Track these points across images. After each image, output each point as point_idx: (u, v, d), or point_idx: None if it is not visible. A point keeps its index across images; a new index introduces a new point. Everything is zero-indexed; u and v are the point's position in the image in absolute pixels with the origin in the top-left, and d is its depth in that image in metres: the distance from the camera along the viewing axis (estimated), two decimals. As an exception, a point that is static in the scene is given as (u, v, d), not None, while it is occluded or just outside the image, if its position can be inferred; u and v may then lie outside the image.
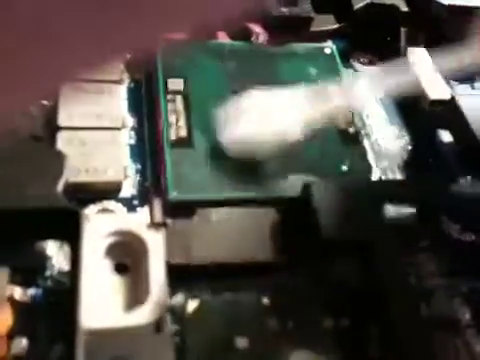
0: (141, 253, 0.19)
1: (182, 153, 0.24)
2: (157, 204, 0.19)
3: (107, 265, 0.19)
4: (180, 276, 0.20)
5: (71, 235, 0.19)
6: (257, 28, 0.30)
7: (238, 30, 0.29)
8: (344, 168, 0.25)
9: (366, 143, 0.27)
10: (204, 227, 0.21)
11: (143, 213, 0.20)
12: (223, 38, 0.29)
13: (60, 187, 0.20)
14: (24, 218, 0.19)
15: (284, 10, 0.28)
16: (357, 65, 0.31)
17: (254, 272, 0.21)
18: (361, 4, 0.29)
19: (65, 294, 0.20)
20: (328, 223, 0.21)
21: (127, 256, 0.20)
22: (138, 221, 0.19)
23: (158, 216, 0.19)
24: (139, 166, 0.25)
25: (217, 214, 0.22)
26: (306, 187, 0.22)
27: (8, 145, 0.21)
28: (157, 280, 0.19)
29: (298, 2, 0.28)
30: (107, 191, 0.23)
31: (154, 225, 0.19)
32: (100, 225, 0.19)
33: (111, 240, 0.19)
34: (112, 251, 0.19)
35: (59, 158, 0.21)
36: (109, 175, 0.23)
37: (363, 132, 0.27)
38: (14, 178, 0.20)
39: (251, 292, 0.21)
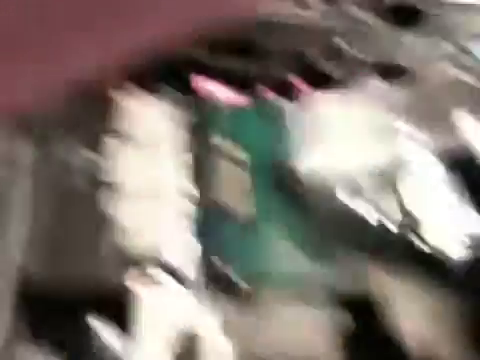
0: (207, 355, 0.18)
1: (244, 229, 0.22)
2: (226, 301, 0.18)
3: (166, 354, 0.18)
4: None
5: (123, 314, 0.19)
6: (300, 84, 0.30)
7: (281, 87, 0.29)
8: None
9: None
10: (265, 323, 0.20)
11: (210, 309, 0.19)
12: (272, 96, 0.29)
13: (112, 258, 0.19)
14: (76, 296, 0.18)
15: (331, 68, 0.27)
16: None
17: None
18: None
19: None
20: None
21: (184, 347, 0.19)
22: (206, 319, 0.18)
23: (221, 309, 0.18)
24: (194, 235, 0.23)
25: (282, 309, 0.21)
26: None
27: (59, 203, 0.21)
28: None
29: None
30: (167, 271, 0.22)
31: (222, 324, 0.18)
32: (157, 312, 0.18)
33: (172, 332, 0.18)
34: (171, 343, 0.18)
35: (112, 225, 0.20)
36: (170, 255, 0.22)
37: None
38: (65, 243, 0.19)
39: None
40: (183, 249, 0.23)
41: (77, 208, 0.21)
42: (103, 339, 0.20)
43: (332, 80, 0.28)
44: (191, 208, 0.23)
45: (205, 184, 0.24)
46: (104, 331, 0.20)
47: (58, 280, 0.18)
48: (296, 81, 0.30)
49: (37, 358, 0.18)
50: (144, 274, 0.22)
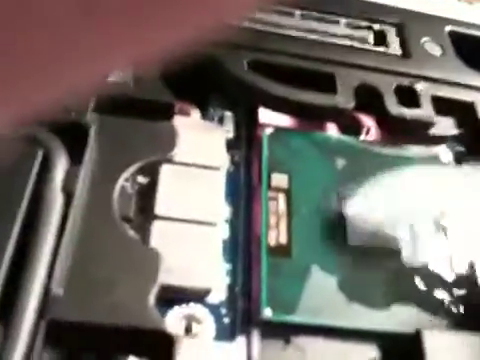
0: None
1: (280, 263, 0.22)
2: (255, 337, 0.18)
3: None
4: None
5: (160, 356, 0.18)
6: (369, 122, 0.28)
7: (348, 122, 0.28)
8: (454, 307, 0.22)
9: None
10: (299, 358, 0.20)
11: (238, 346, 0.18)
12: (331, 129, 0.28)
13: (153, 297, 0.19)
14: (113, 333, 0.18)
15: (405, 112, 0.26)
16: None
17: None
18: (487, 111, 0.27)
19: None
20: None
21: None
22: (234, 355, 0.17)
23: (256, 353, 0.17)
24: (230, 266, 0.23)
25: (313, 346, 0.20)
26: (417, 334, 0.20)
27: (102, 237, 0.20)
28: None
29: (421, 103, 0.26)
30: (196, 295, 0.22)
31: (250, 361, 0.17)
32: (192, 356, 0.17)
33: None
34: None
35: (155, 260, 0.20)
36: (201, 281, 0.21)
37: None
38: (105, 280, 0.19)
39: None
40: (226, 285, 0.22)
41: (126, 242, 0.21)
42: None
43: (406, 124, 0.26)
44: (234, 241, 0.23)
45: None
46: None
47: (92, 314, 0.18)
48: (364, 118, 0.28)
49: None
50: (187, 313, 0.22)
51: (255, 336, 0.18)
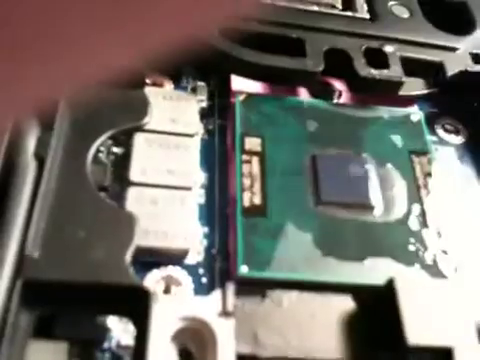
0: (210, 343, 0.18)
1: (255, 223, 0.23)
2: (230, 291, 0.18)
3: (173, 351, 0.18)
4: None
5: (137, 313, 0.18)
6: (340, 86, 0.29)
7: (319, 86, 0.28)
8: (428, 256, 0.22)
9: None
10: (274, 313, 0.20)
11: (214, 299, 0.18)
12: (303, 93, 0.28)
13: (129, 256, 0.19)
14: (89, 291, 0.18)
15: (374, 72, 0.26)
16: (442, 133, 0.29)
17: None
18: (456, 71, 0.27)
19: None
20: (412, 328, 0.19)
21: (193, 343, 0.18)
22: (209, 307, 0.18)
23: (230, 305, 0.18)
24: (207, 229, 0.24)
25: (289, 299, 0.20)
26: (390, 282, 0.20)
27: (77, 201, 0.20)
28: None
29: (389, 64, 0.26)
30: (173, 257, 0.22)
31: (225, 314, 0.18)
32: (169, 308, 0.18)
33: (179, 325, 0.18)
34: (178, 336, 0.18)
35: (130, 222, 0.20)
36: (178, 242, 0.21)
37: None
38: (81, 241, 0.19)
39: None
40: (202, 247, 0.23)
41: (101, 205, 0.21)
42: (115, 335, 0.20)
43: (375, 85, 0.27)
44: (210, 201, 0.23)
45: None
46: (117, 327, 0.20)
47: (68, 273, 0.18)
48: (335, 82, 0.29)
49: (48, 354, 0.18)
50: (165, 275, 0.22)
51: (230, 289, 0.18)
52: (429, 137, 0.27)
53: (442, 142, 0.29)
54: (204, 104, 0.27)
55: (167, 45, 0.10)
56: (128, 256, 0.19)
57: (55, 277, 0.17)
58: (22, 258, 0.17)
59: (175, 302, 0.18)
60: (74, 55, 0.09)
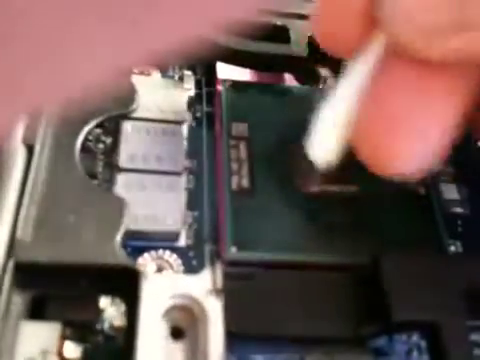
0: (200, 320, 0.18)
1: (243, 205, 0.23)
2: (219, 269, 0.18)
3: (163, 328, 0.18)
4: (234, 344, 0.19)
5: (128, 292, 0.19)
6: (325, 72, 0.29)
7: (304, 72, 0.28)
8: (415, 235, 0.23)
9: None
10: (263, 292, 0.20)
11: (204, 277, 0.18)
12: (290, 81, 0.28)
13: (119, 238, 0.19)
14: (79, 272, 0.18)
15: (357, 58, 0.26)
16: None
17: (314, 345, 0.20)
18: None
19: (117, 351, 0.19)
20: (398, 303, 0.19)
21: (184, 320, 0.19)
22: (199, 285, 0.18)
23: (220, 283, 0.18)
24: (196, 213, 0.24)
25: (278, 278, 0.21)
26: (375, 259, 0.21)
27: (66, 186, 0.21)
28: (216, 351, 0.18)
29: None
30: (163, 240, 0.22)
31: (215, 291, 0.18)
32: (159, 287, 0.18)
33: (170, 303, 0.18)
34: (169, 314, 0.18)
35: (119, 205, 0.20)
36: (167, 224, 0.22)
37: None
38: (71, 225, 0.19)
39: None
40: (192, 230, 0.23)
41: (90, 190, 0.21)
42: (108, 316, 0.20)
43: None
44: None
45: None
46: (110, 309, 0.20)
47: (59, 255, 0.18)
48: (321, 69, 0.29)
49: (41, 336, 0.18)
50: (156, 258, 0.22)
51: (219, 268, 0.18)
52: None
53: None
54: (192, 93, 0.28)
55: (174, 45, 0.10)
56: (118, 238, 0.19)
57: (46, 258, 0.18)
58: (13, 241, 0.18)
59: (165, 280, 0.18)
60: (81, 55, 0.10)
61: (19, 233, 0.18)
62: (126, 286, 0.18)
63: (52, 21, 0.08)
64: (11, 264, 0.17)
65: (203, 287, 0.18)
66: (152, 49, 0.10)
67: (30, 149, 0.20)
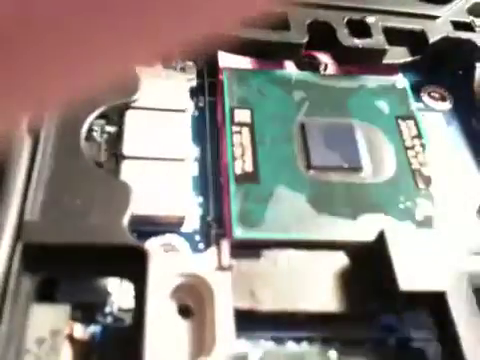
0: (207, 297, 0.18)
1: (247, 188, 0.23)
2: (225, 247, 0.18)
3: (172, 307, 0.19)
4: (243, 322, 0.19)
5: (135, 273, 0.19)
6: (326, 58, 0.29)
7: (306, 60, 0.29)
8: (418, 213, 0.23)
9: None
10: (270, 270, 0.20)
11: (210, 255, 0.19)
12: (290, 68, 0.29)
13: (125, 221, 0.20)
14: (88, 253, 0.18)
15: (357, 42, 0.27)
16: (427, 100, 0.30)
17: (321, 322, 0.20)
18: (437, 38, 0.28)
19: (125, 332, 0.20)
20: (404, 275, 0.19)
21: (191, 299, 0.19)
22: (206, 263, 0.18)
23: (226, 260, 0.18)
24: (201, 199, 0.24)
25: (283, 257, 0.21)
26: (381, 234, 0.21)
27: (72, 172, 0.21)
28: (224, 328, 0.18)
29: (372, 34, 0.27)
30: (169, 225, 0.23)
31: (222, 268, 0.18)
32: (166, 266, 0.18)
33: (177, 282, 0.18)
34: (177, 293, 0.19)
35: (125, 190, 0.21)
36: (173, 209, 0.22)
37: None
38: (78, 208, 0.20)
39: (317, 344, 0.20)
40: (198, 215, 0.23)
41: (96, 176, 0.21)
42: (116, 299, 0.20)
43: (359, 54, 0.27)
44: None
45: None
46: (118, 291, 0.20)
47: (67, 236, 0.18)
48: (321, 55, 0.29)
49: (50, 318, 0.19)
50: (163, 242, 0.23)
51: (225, 245, 0.19)
52: (415, 104, 0.28)
53: (428, 108, 0.30)
54: (194, 83, 0.28)
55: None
56: (125, 220, 0.19)
57: (54, 240, 0.18)
58: (21, 224, 0.18)
59: (172, 259, 0.18)
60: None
61: (27, 215, 0.18)
62: (133, 266, 0.18)
63: (57, 22, 0.09)
64: (20, 246, 0.18)
65: (209, 265, 0.18)
66: (159, 48, 0.10)
67: (36, 138, 0.20)
